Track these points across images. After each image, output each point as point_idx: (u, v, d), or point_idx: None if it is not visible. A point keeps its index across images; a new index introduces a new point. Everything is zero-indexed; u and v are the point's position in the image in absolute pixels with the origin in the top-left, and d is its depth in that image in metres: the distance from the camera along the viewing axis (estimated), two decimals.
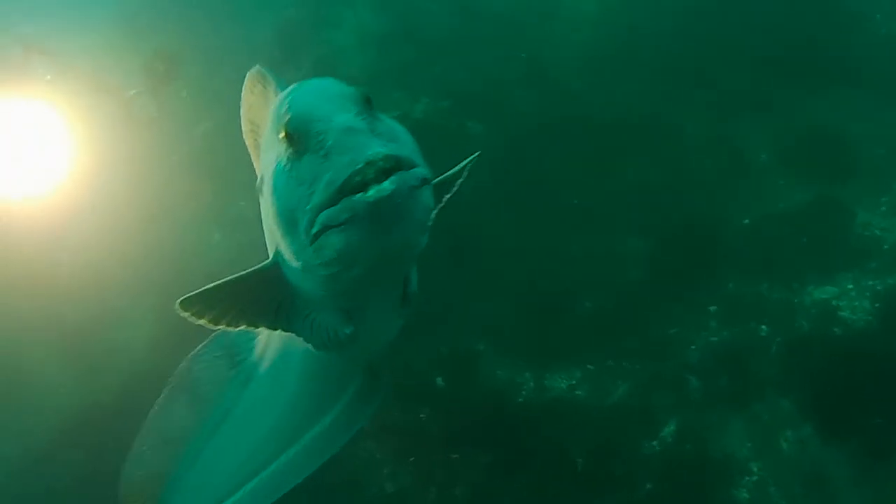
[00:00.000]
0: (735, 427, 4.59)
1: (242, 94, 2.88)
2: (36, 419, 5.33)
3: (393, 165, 2.04)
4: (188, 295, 2.46)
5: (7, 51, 5.40)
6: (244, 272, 2.55)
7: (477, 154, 3.14)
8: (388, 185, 2.01)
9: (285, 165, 2.20)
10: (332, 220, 2.06)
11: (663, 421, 4.70)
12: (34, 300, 5.56)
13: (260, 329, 2.72)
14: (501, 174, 5.58)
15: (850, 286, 5.02)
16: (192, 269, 5.63)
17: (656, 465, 4.58)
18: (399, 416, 4.80)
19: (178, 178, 6.02)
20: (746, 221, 5.50)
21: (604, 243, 5.56)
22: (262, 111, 2.78)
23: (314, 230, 2.11)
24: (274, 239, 2.45)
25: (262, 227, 2.72)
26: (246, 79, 2.83)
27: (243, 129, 2.96)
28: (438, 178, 2.86)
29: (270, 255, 2.56)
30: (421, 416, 4.85)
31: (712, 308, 5.14)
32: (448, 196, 3.05)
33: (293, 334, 2.74)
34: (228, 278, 2.54)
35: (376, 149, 2.05)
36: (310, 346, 2.79)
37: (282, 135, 2.21)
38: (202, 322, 2.50)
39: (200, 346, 3.31)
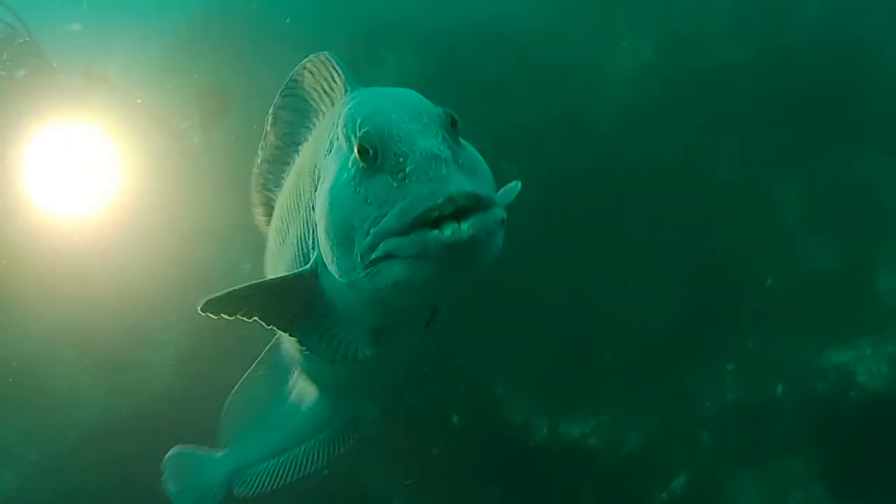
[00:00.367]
0: (745, 484, 4.62)
1: (296, 73, 2.68)
2: (58, 427, 5.49)
3: (473, 205, 1.91)
4: (215, 296, 2.34)
5: (70, 76, 5.63)
6: (281, 277, 2.50)
7: (518, 183, 3.12)
8: (467, 229, 1.88)
9: (353, 178, 2.08)
10: (399, 250, 1.95)
11: (674, 473, 4.74)
12: (70, 313, 5.74)
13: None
14: (533, 218, 5.69)
15: (869, 350, 5.04)
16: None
17: None
18: (412, 447, 4.89)
19: (217, 209, 6.19)
20: (770, 281, 5.53)
21: (629, 293, 5.62)
22: (317, 100, 2.64)
23: (374, 255, 2.00)
24: (298, 244, 2.42)
25: (276, 229, 2.71)
26: (308, 61, 2.63)
27: (279, 103, 2.76)
28: None
29: (279, 259, 2.49)
30: (434, 450, 4.93)
31: (730, 366, 5.18)
32: None
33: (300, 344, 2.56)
34: (263, 281, 2.50)
35: (460, 185, 1.91)
36: (318, 357, 2.62)
37: (354, 146, 2.08)
38: (220, 317, 2.36)
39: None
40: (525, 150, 6.28)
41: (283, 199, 2.78)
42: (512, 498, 4.73)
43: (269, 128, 2.81)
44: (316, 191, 2.30)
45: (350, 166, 2.09)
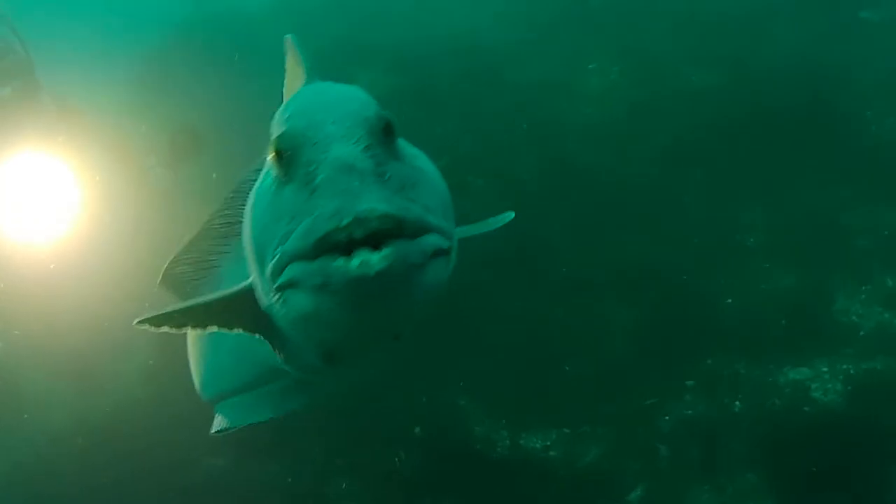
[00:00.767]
0: (699, 497, 4.68)
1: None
2: (27, 435, 5.47)
3: (392, 228, 1.61)
4: (151, 316, 2.17)
5: (44, 105, 5.54)
6: (213, 296, 2.23)
7: (511, 214, 2.92)
8: (376, 259, 1.58)
9: (269, 187, 1.86)
10: (301, 278, 1.69)
11: (631, 486, 4.80)
12: (48, 328, 5.73)
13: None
14: (497, 234, 5.75)
15: (825, 369, 5.14)
16: None
17: None
18: (373, 456, 4.93)
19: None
20: (730, 301, 5.63)
21: (591, 312, 5.70)
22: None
23: (280, 280, 1.74)
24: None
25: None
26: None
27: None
28: (460, 233, 2.26)
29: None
30: (396, 459, 4.96)
31: (689, 382, 5.25)
32: None
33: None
34: (196, 302, 2.26)
35: (373, 203, 1.62)
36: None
37: (271, 150, 1.84)
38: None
39: None
40: (491, 166, 6.37)
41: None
42: None
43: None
44: None
45: (271, 172, 1.88)
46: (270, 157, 1.83)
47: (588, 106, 6.88)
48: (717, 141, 6.45)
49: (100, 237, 5.66)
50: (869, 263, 5.67)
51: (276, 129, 1.88)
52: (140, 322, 2.16)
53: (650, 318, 5.59)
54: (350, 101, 1.92)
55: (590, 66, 7.14)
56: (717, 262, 5.86)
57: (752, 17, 7.34)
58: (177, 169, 6.40)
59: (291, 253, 1.68)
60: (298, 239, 1.66)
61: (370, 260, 1.57)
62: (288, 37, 2.53)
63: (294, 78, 2.46)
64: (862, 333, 5.29)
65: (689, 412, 5.10)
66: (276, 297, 1.77)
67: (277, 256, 1.72)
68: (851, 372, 5.08)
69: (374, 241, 1.59)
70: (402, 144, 1.93)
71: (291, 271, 1.70)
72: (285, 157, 1.78)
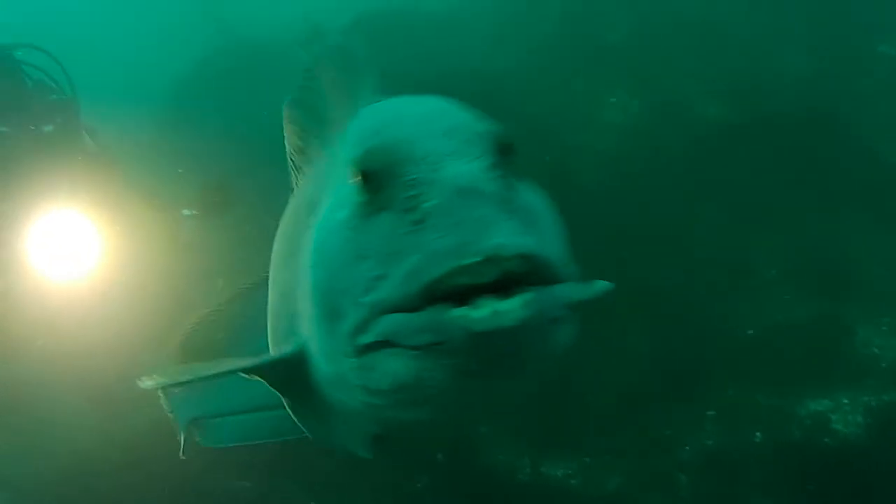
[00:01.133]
0: None
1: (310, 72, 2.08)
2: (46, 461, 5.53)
3: (529, 271, 1.23)
4: (157, 381, 1.90)
5: (85, 145, 5.58)
6: (243, 362, 1.76)
7: (609, 285, 2.52)
8: (517, 309, 1.19)
9: (348, 218, 1.43)
10: (403, 335, 1.29)
11: None
12: (72, 360, 5.80)
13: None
14: None
15: (846, 401, 5.16)
16: None
17: None
18: (396, 481, 4.96)
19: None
20: (751, 332, 5.66)
21: (613, 342, 5.73)
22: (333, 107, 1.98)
23: (364, 339, 1.34)
24: (299, 313, 1.66)
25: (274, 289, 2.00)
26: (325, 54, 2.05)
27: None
28: None
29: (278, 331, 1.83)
30: (418, 484, 5.00)
31: (710, 412, 5.28)
32: None
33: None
34: (232, 366, 1.81)
35: (509, 237, 1.24)
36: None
37: (354, 171, 1.42)
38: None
39: None
40: None
41: (277, 238, 2.11)
42: None
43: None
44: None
45: (347, 201, 1.44)
46: (353, 180, 1.42)
47: (608, 139, 6.95)
48: (736, 172, 6.51)
49: (128, 281, 5.77)
50: (890, 295, 5.70)
51: (355, 147, 1.50)
52: (146, 384, 1.87)
53: (671, 348, 5.62)
54: (456, 112, 1.54)
55: (611, 100, 7.23)
56: (738, 292, 5.90)
57: (771, 52, 7.42)
58: (209, 219, 6.48)
59: (389, 302, 1.29)
60: (398, 284, 1.27)
61: (507, 308, 1.18)
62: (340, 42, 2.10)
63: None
64: (884, 365, 5.31)
65: (710, 442, 5.13)
66: (358, 361, 1.38)
67: (363, 310, 1.33)
68: (873, 404, 5.09)
69: (502, 290, 1.21)
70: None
71: (386, 326, 1.30)
72: (375, 178, 1.37)
